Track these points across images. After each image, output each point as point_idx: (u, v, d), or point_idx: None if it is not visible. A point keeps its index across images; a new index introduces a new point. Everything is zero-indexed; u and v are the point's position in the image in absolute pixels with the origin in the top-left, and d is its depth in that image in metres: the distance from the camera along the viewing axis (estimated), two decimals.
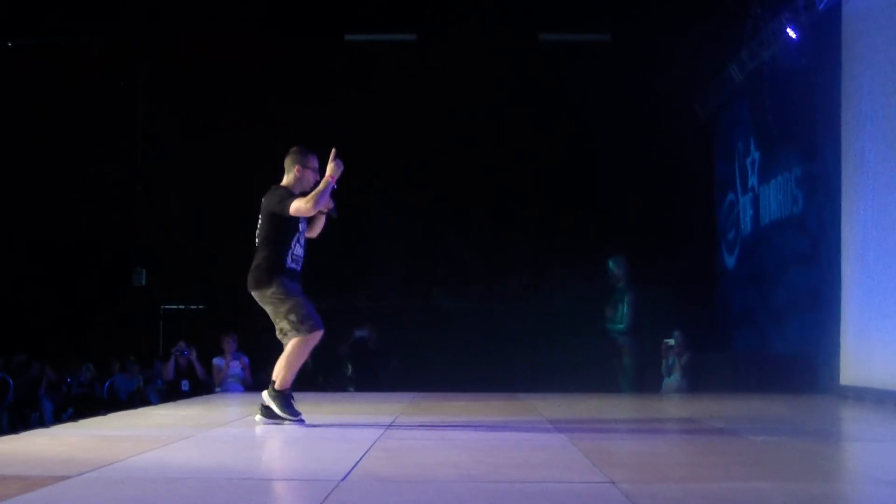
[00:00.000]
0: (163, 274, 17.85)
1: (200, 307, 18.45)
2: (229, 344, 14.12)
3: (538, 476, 5.37)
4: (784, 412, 9.77)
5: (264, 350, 15.36)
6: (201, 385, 14.20)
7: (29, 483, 4.86)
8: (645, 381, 13.92)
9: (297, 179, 8.01)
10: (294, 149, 8.09)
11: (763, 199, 15.35)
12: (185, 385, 14.24)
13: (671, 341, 14.11)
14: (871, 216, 11.11)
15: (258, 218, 8.14)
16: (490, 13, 15.91)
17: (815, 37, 12.86)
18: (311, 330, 7.73)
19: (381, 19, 16.38)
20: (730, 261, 17.25)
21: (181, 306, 18.55)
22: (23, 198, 17.50)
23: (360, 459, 5.76)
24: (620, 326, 13.67)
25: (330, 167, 7.74)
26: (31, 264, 17.51)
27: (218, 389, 13.77)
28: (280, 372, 7.78)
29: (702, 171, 17.74)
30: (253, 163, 17.07)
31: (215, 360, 14.13)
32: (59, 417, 13.55)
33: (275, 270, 7.84)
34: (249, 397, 12.24)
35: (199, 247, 17.26)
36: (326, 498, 4.48)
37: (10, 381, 13.99)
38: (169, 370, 14.54)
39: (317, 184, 7.86)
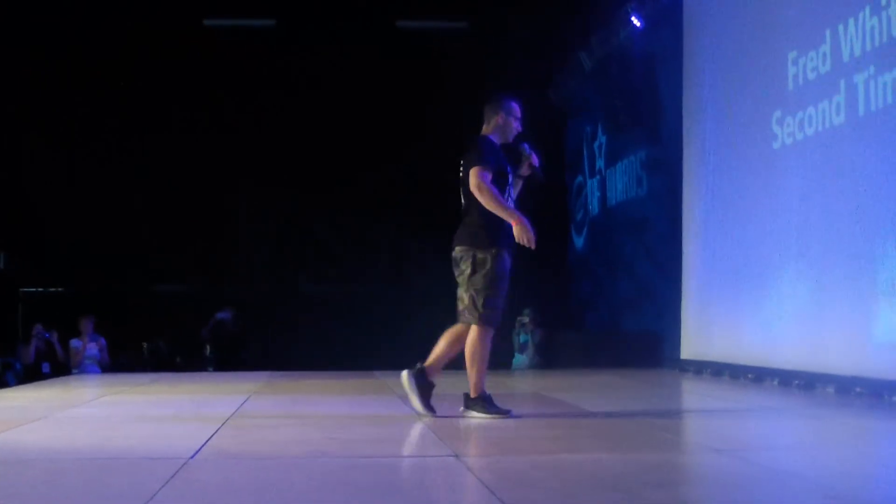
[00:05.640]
0: (21, 257, 17.56)
1: (59, 290, 18.20)
2: (86, 325, 14.02)
3: (386, 451, 5.54)
4: (627, 386, 10.11)
5: (121, 331, 15.38)
6: (62, 367, 14.07)
7: None
8: (496, 358, 14.18)
9: (500, 127, 7.20)
10: (498, 95, 7.28)
11: (610, 181, 15.77)
12: (45, 367, 14.08)
13: (524, 318, 14.41)
14: (711, 197, 11.57)
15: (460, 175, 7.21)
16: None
17: (659, 25, 13.26)
18: (489, 323, 6.93)
19: (239, 5, 16.33)
20: (578, 241, 17.66)
21: (40, 289, 18.27)
22: None
23: (211, 437, 5.83)
24: None
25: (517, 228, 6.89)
26: None
27: (75, 371, 13.68)
28: (470, 378, 6.95)
29: (553, 155, 18.08)
30: (113, 146, 17.04)
31: (72, 342, 14.01)
32: None
33: (498, 232, 6.91)
34: (106, 378, 12.28)
35: (57, 230, 17.05)
36: (174, 476, 4.54)
37: None
38: (30, 353, 14.35)
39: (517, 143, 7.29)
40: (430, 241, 16.70)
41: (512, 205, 7.08)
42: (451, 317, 7.16)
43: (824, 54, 9.13)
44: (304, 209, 18.00)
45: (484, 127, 7.28)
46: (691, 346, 11.96)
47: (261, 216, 17.71)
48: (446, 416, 6.74)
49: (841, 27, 8.86)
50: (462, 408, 6.93)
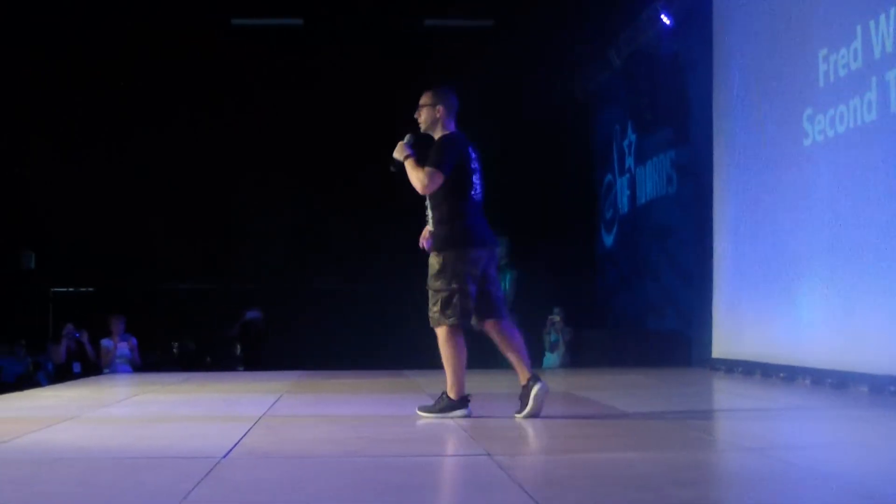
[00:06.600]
0: (52, 257, 17.68)
1: (90, 290, 18.30)
2: (117, 325, 14.06)
3: (416, 450, 5.52)
4: (658, 385, 10.08)
5: (151, 331, 15.45)
6: (93, 367, 14.14)
7: None
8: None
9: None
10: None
11: (639, 179, 15.74)
12: (76, 367, 14.16)
13: (555, 317, 14.38)
14: (741, 195, 11.52)
15: (473, 169, 7.36)
16: None
17: (688, 23, 13.22)
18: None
19: (267, 3, 16.34)
20: (608, 239, 17.63)
21: (70, 289, 18.38)
22: None
23: (243, 437, 5.83)
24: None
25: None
26: None
27: (106, 371, 13.71)
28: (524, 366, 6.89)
29: (581, 153, 18.05)
30: (141, 147, 17.11)
31: (103, 342, 14.06)
32: None
33: None
34: (137, 378, 12.30)
35: (88, 230, 17.13)
36: (207, 475, 4.54)
37: None
38: (60, 353, 14.42)
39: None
40: None
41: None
42: None
43: (855, 51, 9.08)
44: (317, 207, 17.99)
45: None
46: (722, 344, 11.91)
47: (274, 214, 17.71)
48: (477, 416, 6.72)
49: (872, 24, 8.81)
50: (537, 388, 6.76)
